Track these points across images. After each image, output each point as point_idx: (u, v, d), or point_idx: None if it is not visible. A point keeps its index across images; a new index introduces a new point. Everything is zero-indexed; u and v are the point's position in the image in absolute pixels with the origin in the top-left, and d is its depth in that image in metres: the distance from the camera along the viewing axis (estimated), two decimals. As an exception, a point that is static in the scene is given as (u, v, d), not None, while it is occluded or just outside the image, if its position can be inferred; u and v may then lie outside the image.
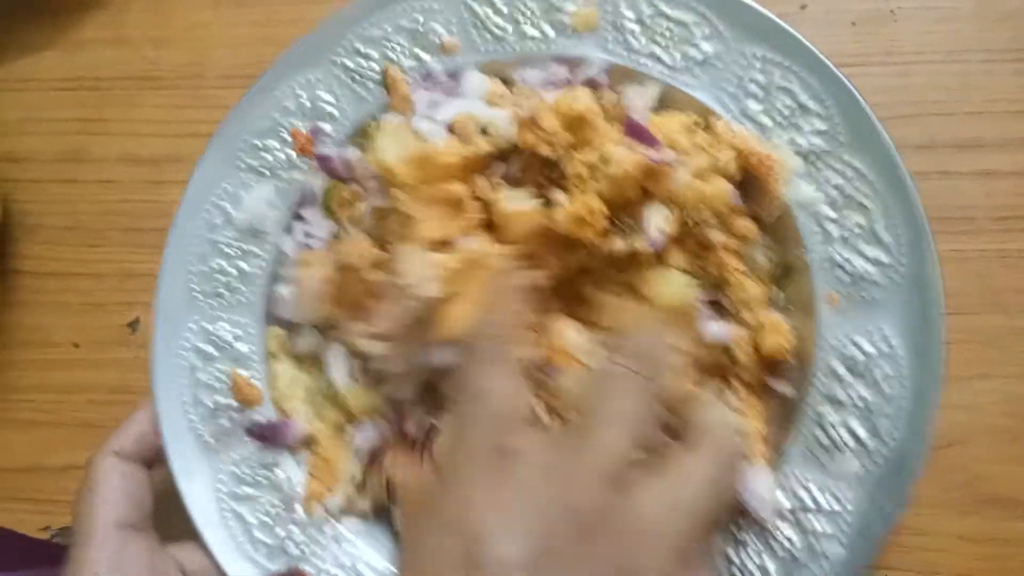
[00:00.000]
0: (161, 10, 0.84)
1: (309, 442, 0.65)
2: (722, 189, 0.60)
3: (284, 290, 0.66)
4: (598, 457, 0.46)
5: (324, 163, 0.66)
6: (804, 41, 0.63)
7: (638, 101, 0.65)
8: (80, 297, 0.79)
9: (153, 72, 0.82)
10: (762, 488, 0.59)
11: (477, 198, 0.61)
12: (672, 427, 0.52)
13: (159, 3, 0.84)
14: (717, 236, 0.62)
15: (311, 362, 0.67)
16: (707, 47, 0.65)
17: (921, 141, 0.75)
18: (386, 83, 0.67)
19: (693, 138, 0.62)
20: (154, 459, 0.63)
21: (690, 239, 0.62)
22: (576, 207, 0.58)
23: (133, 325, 0.77)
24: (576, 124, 0.62)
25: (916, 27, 0.77)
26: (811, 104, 0.63)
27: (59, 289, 0.80)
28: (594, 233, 0.59)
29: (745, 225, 0.62)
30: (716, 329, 0.63)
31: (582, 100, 0.61)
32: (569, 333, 0.59)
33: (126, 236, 0.79)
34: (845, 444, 0.59)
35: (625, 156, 0.58)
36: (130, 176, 0.81)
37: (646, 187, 0.60)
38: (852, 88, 0.62)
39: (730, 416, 0.59)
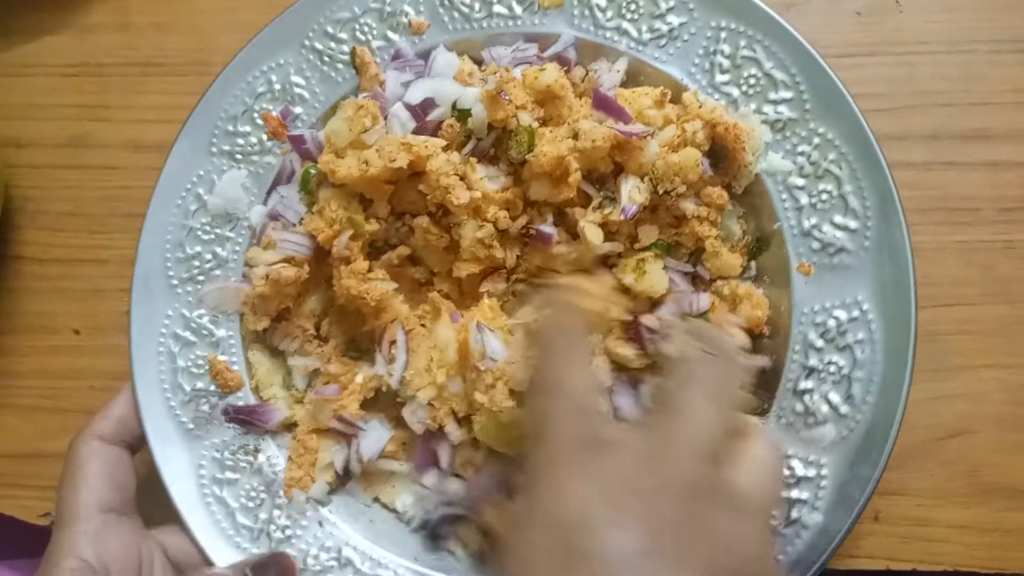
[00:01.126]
0: (163, -6, 0.84)
1: (289, 426, 0.66)
2: (693, 158, 0.60)
3: (211, 284, 0.67)
4: (691, 437, 0.46)
5: (297, 144, 0.66)
6: (770, 11, 0.63)
7: (606, 77, 0.65)
8: (82, 283, 0.79)
9: (157, 58, 0.82)
10: None
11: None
12: None
13: (161, -13, 0.84)
14: (689, 207, 0.62)
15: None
16: (674, 19, 0.65)
17: (926, 132, 0.74)
18: (354, 64, 0.67)
19: (662, 110, 0.63)
20: (137, 443, 0.63)
21: (663, 211, 0.63)
22: (547, 158, 0.59)
23: None
24: (545, 97, 0.62)
25: (921, 17, 0.77)
26: (777, 73, 0.63)
27: (61, 275, 0.79)
28: (567, 184, 0.60)
29: (717, 192, 0.62)
30: (695, 300, 0.63)
31: (550, 73, 0.62)
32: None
33: (128, 222, 0.79)
34: (821, 411, 0.60)
35: (596, 130, 0.59)
36: (133, 162, 0.80)
37: (618, 160, 0.61)
38: (818, 56, 0.62)
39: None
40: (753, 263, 0.65)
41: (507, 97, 0.60)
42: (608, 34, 0.65)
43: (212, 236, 0.66)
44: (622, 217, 0.60)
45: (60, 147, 0.82)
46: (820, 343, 0.61)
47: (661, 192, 0.60)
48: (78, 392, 0.77)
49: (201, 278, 0.66)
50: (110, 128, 0.81)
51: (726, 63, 0.64)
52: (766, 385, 0.62)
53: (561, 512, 0.44)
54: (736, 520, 0.45)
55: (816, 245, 0.61)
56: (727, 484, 0.46)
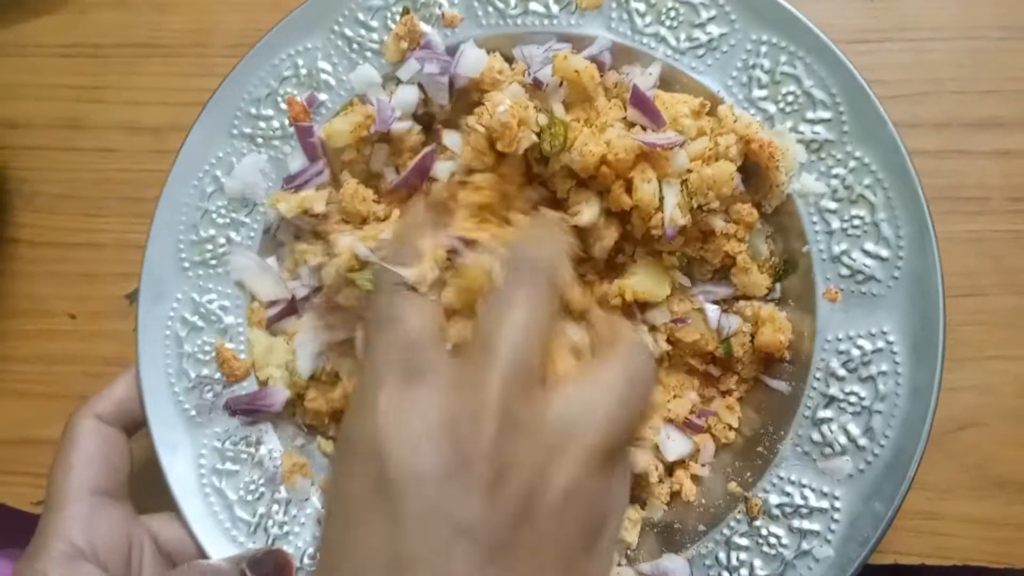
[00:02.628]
0: (165, -27, 0.83)
1: (292, 413, 0.65)
2: (727, 172, 0.59)
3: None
4: (502, 368, 0.44)
5: (303, 135, 0.64)
6: (812, 27, 0.61)
7: (639, 79, 0.63)
8: (77, 267, 0.78)
9: (155, 39, 0.81)
10: None
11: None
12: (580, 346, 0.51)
13: (163, -34, 0.83)
14: (719, 223, 0.61)
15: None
16: (713, 30, 0.63)
17: (937, 119, 0.73)
18: (401, 25, 0.65)
19: (698, 121, 0.61)
20: (135, 426, 0.62)
21: (692, 226, 0.61)
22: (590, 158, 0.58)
23: (131, 296, 0.75)
24: (574, 96, 0.61)
25: (932, 3, 0.76)
26: (816, 92, 0.61)
27: (56, 259, 0.78)
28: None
29: (747, 210, 0.61)
30: (723, 321, 0.62)
31: (579, 59, 0.60)
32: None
33: (125, 205, 0.78)
34: (839, 443, 0.58)
35: (618, 141, 0.57)
36: (130, 145, 0.79)
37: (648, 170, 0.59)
38: (859, 77, 0.61)
39: (641, 335, 0.60)
40: (778, 285, 0.63)
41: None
42: (645, 40, 0.64)
43: (227, 220, 0.65)
44: (662, 235, 0.59)
45: (55, 128, 0.80)
46: (842, 372, 0.59)
47: (695, 206, 0.59)
48: (72, 377, 0.76)
49: (213, 262, 0.64)
50: (106, 109, 0.80)
51: (765, 78, 0.62)
52: (784, 411, 0.60)
53: (372, 443, 0.43)
54: (546, 450, 0.43)
55: (845, 271, 0.60)
56: (538, 416, 0.44)
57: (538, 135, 0.59)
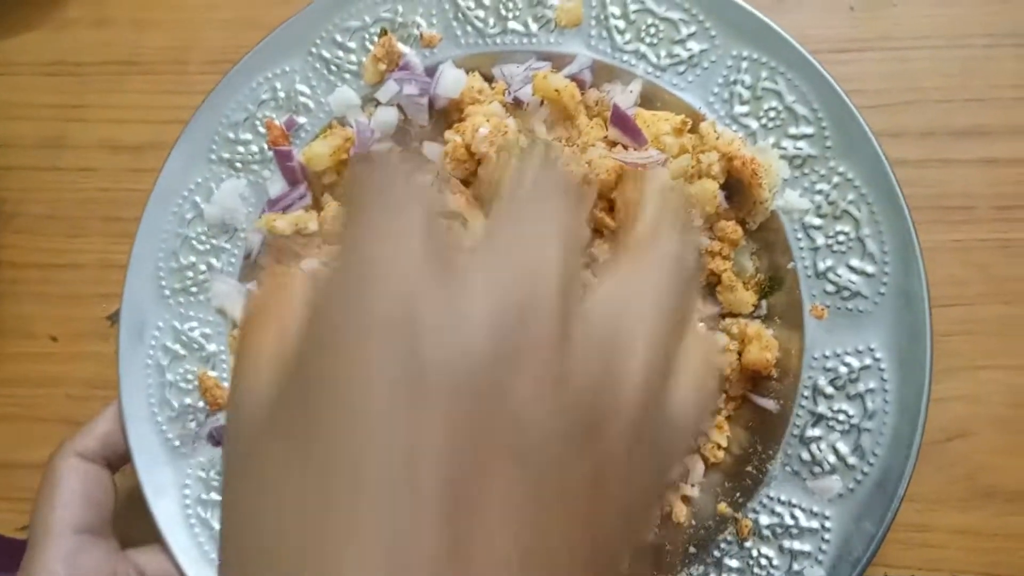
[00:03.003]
0: (142, -11, 0.82)
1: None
2: (710, 190, 0.58)
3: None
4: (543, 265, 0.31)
5: (282, 159, 0.64)
6: (793, 42, 0.61)
7: (620, 97, 0.63)
8: (59, 288, 0.77)
9: (136, 56, 0.80)
10: None
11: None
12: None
13: (143, -17, 0.82)
14: (703, 241, 0.60)
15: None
16: (694, 46, 0.63)
17: (921, 128, 0.73)
18: (379, 47, 0.64)
19: (679, 139, 0.61)
20: (120, 460, 0.61)
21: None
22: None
23: (113, 318, 0.73)
24: (556, 115, 0.60)
25: (916, 11, 0.75)
26: (798, 107, 0.61)
27: (38, 280, 0.77)
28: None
29: (731, 227, 0.60)
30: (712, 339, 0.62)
31: (559, 78, 0.60)
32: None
33: (107, 225, 0.77)
34: (828, 461, 0.58)
35: (599, 162, 0.57)
36: (112, 164, 0.78)
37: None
38: (841, 91, 0.60)
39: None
40: (764, 302, 0.62)
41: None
42: (626, 57, 0.63)
43: (208, 247, 0.64)
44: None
45: (37, 148, 0.79)
46: (830, 390, 0.59)
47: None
48: (55, 400, 0.75)
49: (194, 289, 0.64)
50: (88, 128, 0.79)
51: (746, 94, 0.62)
52: (772, 430, 0.60)
53: (397, 316, 0.29)
54: (608, 352, 0.32)
55: (830, 288, 0.59)
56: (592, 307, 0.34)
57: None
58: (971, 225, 0.71)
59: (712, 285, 0.62)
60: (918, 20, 0.75)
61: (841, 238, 0.60)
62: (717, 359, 0.48)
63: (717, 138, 0.60)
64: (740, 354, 0.62)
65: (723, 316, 0.63)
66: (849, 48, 0.74)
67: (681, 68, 0.63)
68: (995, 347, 0.70)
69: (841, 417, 0.58)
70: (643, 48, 0.63)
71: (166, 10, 0.81)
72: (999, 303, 0.70)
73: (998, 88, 0.73)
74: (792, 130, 0.61)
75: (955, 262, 0.70)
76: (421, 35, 0.65)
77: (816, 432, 0.59)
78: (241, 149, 0.65)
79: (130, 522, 0.61)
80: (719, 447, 0.62)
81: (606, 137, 0.61)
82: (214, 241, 0.64)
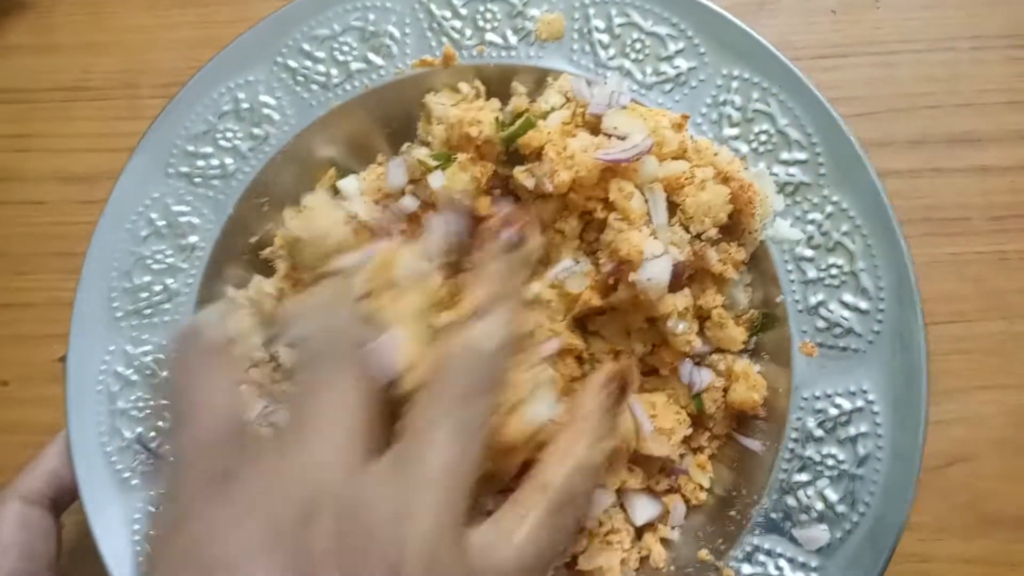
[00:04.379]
0: (91, 12, 0.77)
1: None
2: (722, 196, 0.55)
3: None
4: (316, 455, 0.38)
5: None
6: (787, 62, 0.57)
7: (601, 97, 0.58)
8: (8, 329, 0.73)
9: (84, 81, 0.76)
10: None
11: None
12: None
13: (90, 4, 0.78)
14: (712, 256, 0.56)
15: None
16: (681, 63, 0.59)
17: (910, 136, 0.70)
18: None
19: (680, 135, 0.57)
20: (68, 498, 0.58)
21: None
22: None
23: (64, 359, 0.70)
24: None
25: (900, 14, 0.72)
26: (791, 132, 0.57)
27: (-17, 320, 0.73)
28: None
29: (733, 247, 0.57)
30: (695, 375, 0.58)
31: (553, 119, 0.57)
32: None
33: (57, 261, 0.73)
34: (815, 509, 0.55)
35: (579, 160, 0.53)
36: (62, 196, 0.74)
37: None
38: (837, 115, 0.57)
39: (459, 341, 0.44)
40: (754, 340, 0.59)
41: None
42: (609, 74, 0.59)
43: (164, 266, 0.60)
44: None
45: (-20, 181, 0.75)
46: (819, 433, 0.55)
47: (694, 235, 0.54)
48: (9, 449, 0.71)
49: (148, 311, 0.60)
50: (36, 159, 0.75)
51: (736, 115, 0.58)
52: (757, 473, 0.57)
53: (202, 555, 0.36)
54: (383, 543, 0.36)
55: (821, 324, 0.56)
56: (460, 560, 0.38)
57: (498, 122, 0.57)
58: (966, 237, 0.69)
59: (702, 319, 0.58)
60: (902, 23, 0.72)
61: (834, 271, 0.56)
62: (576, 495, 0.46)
63: (715, 155, 0.56)
64: (725, 391, 0.58)
65: (710, 352, 0.59)
66: (832, 54, 0.71)
67: (668, 87, 0.59)
68: (994, 365, 0.67)
69: (830, 462, 0.55)
70: (627, 64, 0.59)
71: (114, 32, 0.77)
72: (997, 319, 0.67)
73: (987, 92, 0.71)
74: (784, 155, 0.57)
75: (950, 277, 0.68)
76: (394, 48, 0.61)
77: (803, 477, 0.55)
78: (201, 163, 0.61)
79: (76, 563, 0.57)
80: (701, 488, 0.59)
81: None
82: (171, 260, 0.60)
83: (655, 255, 0.52)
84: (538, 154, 0.55)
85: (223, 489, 0.38)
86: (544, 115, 0.57)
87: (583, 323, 0.58)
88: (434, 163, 0.57)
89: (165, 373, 0.50)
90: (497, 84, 0.61)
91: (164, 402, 0.47)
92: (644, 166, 0.54)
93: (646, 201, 0.54)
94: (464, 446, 0.40)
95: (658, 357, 0.58)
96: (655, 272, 0.52)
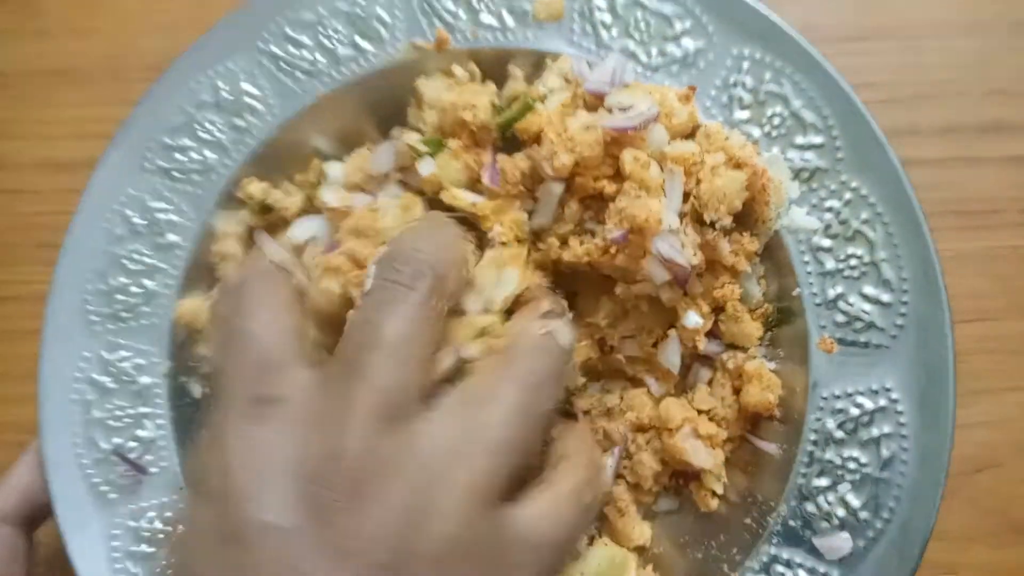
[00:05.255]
0: (80, -7, 0.74)
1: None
2: (738, 182, 0.51)
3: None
4: (368, 393, 0.37)
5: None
6: (800, 40, 0.54)
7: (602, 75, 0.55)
8: (-8, 323, 0.70)
9: (71, 64, 0.72)
10: None
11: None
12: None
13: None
14: (725, 247, 0.52)
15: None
16: (689, 43, 0.56)
17: (939, 124, 0.66)
18: None
19: (688, 107, 0.53)
20: (41, 514, 0.54)
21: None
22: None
23: None
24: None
25: None
26: (806, 114, 0.54)
27: (-33, 315, 0.70)
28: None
29: (746, 238, 0.53)
30: (694, 371, 0.55)
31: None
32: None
33: (44, 253, 0.69)
34: (837, 516, 0.51)
35: (580, 136, 0.50)
36: (47, 184, 0.70)
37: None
38: (855, 97, 0.53)
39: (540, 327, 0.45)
40: (769, 335, 0.55)
41: None
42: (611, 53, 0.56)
43: (141, 266, 0.57)
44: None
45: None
46: (839, 434, 0.52)
47: (708, 222, 0.51)
48: (-8, 447, 0.67)
49: (126, 315, 0.57)
50: (19, 146, 0.71)
51: (747, 98, 0.55)
52: (774, 478, 0.53)
53: (221, 486, 0.38)
54: (417, 490, 0.37)
55: (841, 318, 0.53)
56: (408, 450, 0.37)
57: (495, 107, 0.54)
58: (996, 231, 0.65)
59: (717, 311, 0.55)
60: (932, 6, 0.68)
61: (853, 262, 0.53)
62: (595, 476, 0.46)
63: (727, 139, 0.52)
64: (738, 392, 0.55)
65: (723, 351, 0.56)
66: (856, 36, 0.67)
67: (674, 68, 0.56)
68: (1021, 366, 0.64)
69: (852, 465, 0.52)
70: (632, 45, 0.56)
71: (102, 12, 0.73)
72: (1024, 318, 0.63)
73: (1020, 80, 0.67)
74: (799, 139, 0.54)
75: (977, 273, 0.64)
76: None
77: (823, 482, 0.52)
78: (180, 157, 0.57)
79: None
80: (714, 494, 0.55)
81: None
82: (149, 260, 0.57)
83: (672, 228, 0.48)
84: (537, 139, 0.51)
85: (260, 415, 0.38)
86: (542, 98, 0.53)
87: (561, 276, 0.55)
88: (424, 149, 0.53)
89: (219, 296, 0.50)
90: (493, 68, 0.57)
91: (213, 323, 0.49)
92: (652, 135, 0.50)
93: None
94: (524, 425, 0.40)
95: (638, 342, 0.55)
96: (666, 248, 0.48)
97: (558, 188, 0.51)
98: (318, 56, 0.58)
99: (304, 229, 0.56)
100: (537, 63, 0.57)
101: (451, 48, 0.57)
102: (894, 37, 0.68)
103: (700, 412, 0.55)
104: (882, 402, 0.52)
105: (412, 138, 0.55)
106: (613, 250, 0.50)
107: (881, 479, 0.51)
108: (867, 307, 0.52)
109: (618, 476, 0.55)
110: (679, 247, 0.49)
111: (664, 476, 0.56)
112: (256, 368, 0.40)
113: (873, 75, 0.66)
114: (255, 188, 0.57)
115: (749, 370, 0.54)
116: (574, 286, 0.54)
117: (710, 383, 0.56)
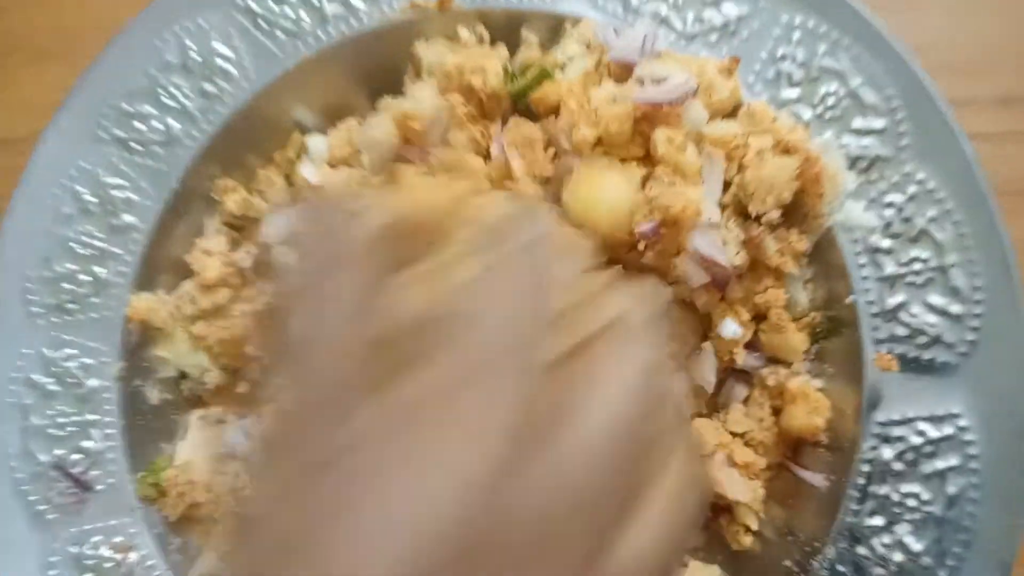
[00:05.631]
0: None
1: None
2: (788, 171, 0.44)
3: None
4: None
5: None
6: (861, 9, 0.47)
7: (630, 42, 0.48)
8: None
9: (24, 41, 0.65)
10: None
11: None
12: None
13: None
14: (771, 245, 0.46)
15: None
16: (731, 9, 0.49)
17: (996, 95, 0.59)
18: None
19: (730, 82, 0.47)
20: None
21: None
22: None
23: None
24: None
25: None
26: (866, 93, 0.47)
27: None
28: None
29: (793, 235, 0.47)
30: (731, 389, 0.48)
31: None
32: None
33: None
34: (893, 562, 0.45)
35: (607, 108, 0.43)
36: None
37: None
38: (923, 75, 0.46)
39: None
40: (816, 348, 0.49)
41: None
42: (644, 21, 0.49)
43: (92, 251, 0.50)
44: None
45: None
46: (898, 466, 0.46)
47: (753, 216, 0.44)
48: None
49: (72, 306, 0.49)
50: None
51: (798, 73, 0.48)
52: (819, 515, 0.46)
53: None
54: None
55: (901, 331, 0.46)
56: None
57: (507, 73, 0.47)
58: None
59: (757, 319, 0.47)
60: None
61: (917, 266, 0.47)
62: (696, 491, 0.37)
63: (774, 121, 0.45)
64: (778, 413, 0.48)
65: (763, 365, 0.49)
66: (904, 7, 0.60)
67: (713, 37, 0.49)
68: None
69: (912, 503, 0.45)
70: (664, 10, 0.49)
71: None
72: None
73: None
74: (857, 122, 0.47)
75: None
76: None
77: (878, 521, 0.46)
78: (139, 126, 0.50)
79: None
80: (747, 530, 0.48)
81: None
82: (101, 244, 0.50)
83: (712, 221, 0.41)
84: (554, 111, 0.44)
85: (338, 481, 0.28)
86: (561, 66, 0.46)
87: None
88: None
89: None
90: (503, 33, 0.50)
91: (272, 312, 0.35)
92: (690, 112, 0.44)
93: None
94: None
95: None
96: (705, 245, 0.41)
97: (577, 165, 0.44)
98: (302, 14, 0.51)
99: (280, 225, 0.49)
100: (554, 28, 0.50)
101: (456, 8, 0.50)
102: (946, 3, 0.60)
103: (734, 435, 0.48)
104: (948, 430, 0.45)
105: (407, 104, 0.47)
106: (641, 245, 0.43)
107: (946, 520, 0.45)
108: (933, 319, 0.46)
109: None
110: (720, 244, 0.42)
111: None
112: (323, 406, 0.30)
113: (924, 36, 0.59)
114: (232, 202, 0.50)
115: (792, 388, 0.47)
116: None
117: (746, 402, 0.48)
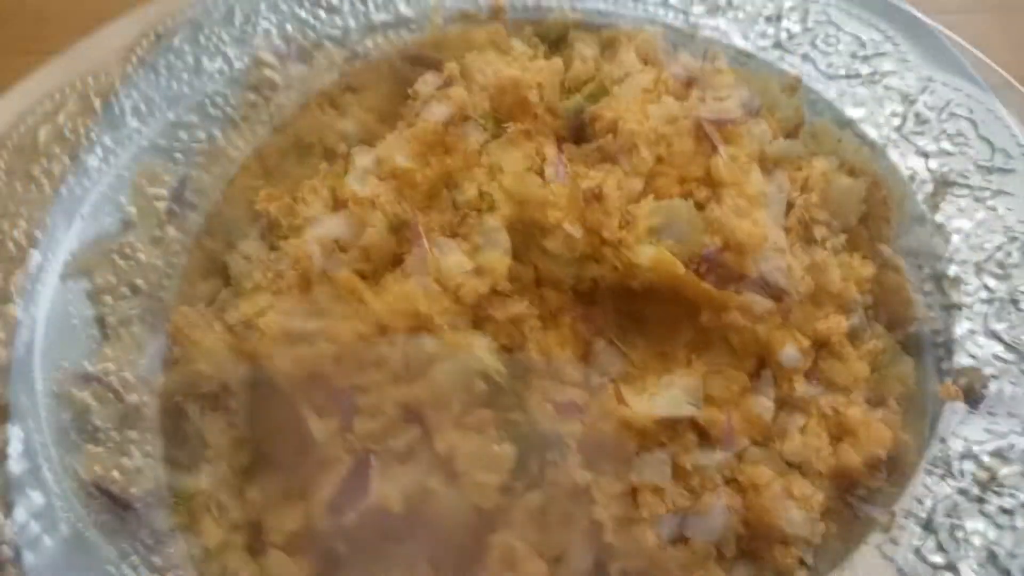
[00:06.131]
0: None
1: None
2: (857, 193, 0.44)
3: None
4: None
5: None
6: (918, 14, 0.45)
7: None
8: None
9: None
10: None
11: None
12: None
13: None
14: (834, 271, 0.45)
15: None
16: (792, 24, 0.47)
17: None
18: None
19: (793, 100, 0.46)
20: None
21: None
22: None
23: None
24: None
25: None
26: (933, 114, 0.45)
27: None
28: None
29: (857, 260, 0.46)
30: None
31: None
32: None
33: None
34: (954, 602, 0.43)
35: (668, 107, 0.42)
36: None
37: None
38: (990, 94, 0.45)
39: None
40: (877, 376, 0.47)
41: None
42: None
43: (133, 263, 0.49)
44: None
45: None
46: (961, 502, 0.43)
47: (818, 240, 0.44)
48: None
49: (112, 319, 0.48)
50: None
51: (863, 92, 0.46)
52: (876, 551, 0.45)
53: None
54: None
55: (968, 362, 0.45)
56: None
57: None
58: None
59: (817, 346, 0.46)
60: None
61: (984, 295, 0.45)
62: None
63: (839, 141, 0.44)
64: (836, 443, 0.46)
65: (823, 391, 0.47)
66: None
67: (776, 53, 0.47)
68: None
69: (977, 541, 0.43)
70: (724, 24, 0.47)
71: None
72: None
73: None
74: (925, 135, 0.46)
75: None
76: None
77: (939, 559, 0.43)
78: (183, 135, 0.49)
79: None
80: (802, 563, 0.47)
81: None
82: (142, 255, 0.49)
83: (777, 246, 0.40)
84: (612, 130, 0.43)
85: None
86: (618, 81, 0.45)
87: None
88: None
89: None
90: (556, 44, 0.49)
91: None
92: (754, 131, 0.43)
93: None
94: None
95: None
96: (771, 271, 0.40)
97: (637, 187, 0.42)
98: (350, 23, 0.50)
99: (327, 228, 0.48)
100: (610, 40, 0.48)
101: (508, 17, 0.49)
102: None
103: (791, 465, 0.46)
104: (1018, 466, 0.43)
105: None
106: (702, 268, 0.41)
107: (1015, 556, 0.42)
108: (999, 349, 0.44)
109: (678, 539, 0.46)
110: (785, 269, 0.41)
111: (744, 541, 0.47)
112: None
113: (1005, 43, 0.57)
114: (275, 208, 0.49)
115: (851, 418, 0.46)
116: (645, 310, 0.45)
117: (802, 431, 0.47)
